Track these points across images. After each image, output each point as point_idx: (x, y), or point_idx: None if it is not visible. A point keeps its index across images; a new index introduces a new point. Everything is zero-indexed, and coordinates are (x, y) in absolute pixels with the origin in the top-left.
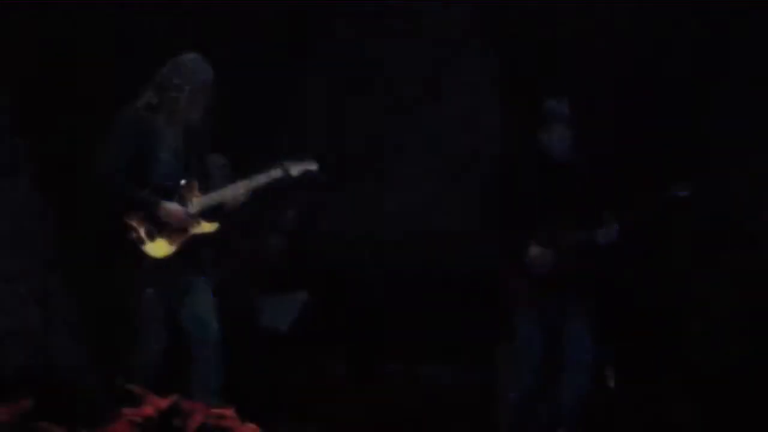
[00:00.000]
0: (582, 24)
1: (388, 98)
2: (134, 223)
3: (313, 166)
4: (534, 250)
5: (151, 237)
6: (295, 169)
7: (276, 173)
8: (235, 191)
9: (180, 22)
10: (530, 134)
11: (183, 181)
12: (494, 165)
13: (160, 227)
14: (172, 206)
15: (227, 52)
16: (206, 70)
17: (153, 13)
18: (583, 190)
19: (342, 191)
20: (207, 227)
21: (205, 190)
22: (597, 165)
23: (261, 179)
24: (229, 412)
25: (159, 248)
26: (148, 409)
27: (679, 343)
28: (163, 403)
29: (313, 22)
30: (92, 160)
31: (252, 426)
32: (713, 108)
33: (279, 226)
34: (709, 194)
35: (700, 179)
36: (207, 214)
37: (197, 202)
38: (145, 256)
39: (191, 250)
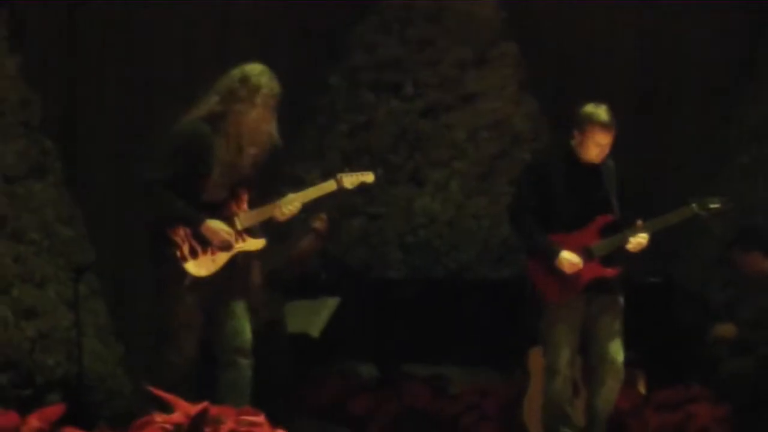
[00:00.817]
0: (607, 29)
1: (417, 101)
2: (178, 239)
3: (369, 178)
4: (564, 254)
5: (194, 255)
6: (350, 181)
7: (330, 186)
8: (286, 206)
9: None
10: (562, 137)
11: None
12: (524, 167)
13: (203, 245)
14: (216, 224)
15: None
16: (276, 84)
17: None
18: (612, 195)
19: (371, 194)
20: (253, 244)
21: (255, 204)
22: (626, 170)
23: (313, 193)
24: (260, 418)
25: (201, 267)
26: (179, 416)
27: (705, 347)
28: (194, 409)
29: (341, 25)
30: (143, 166)
31: None
32: (738, 113)
33: (311, 229)
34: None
35: (726, 185)
36: (255, 229)
37: (245, 216)
38: (186, 273)
39: (231, 266)
